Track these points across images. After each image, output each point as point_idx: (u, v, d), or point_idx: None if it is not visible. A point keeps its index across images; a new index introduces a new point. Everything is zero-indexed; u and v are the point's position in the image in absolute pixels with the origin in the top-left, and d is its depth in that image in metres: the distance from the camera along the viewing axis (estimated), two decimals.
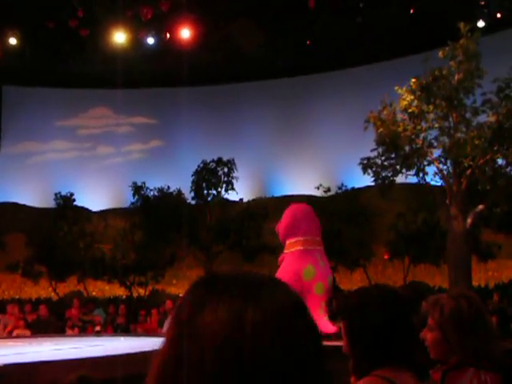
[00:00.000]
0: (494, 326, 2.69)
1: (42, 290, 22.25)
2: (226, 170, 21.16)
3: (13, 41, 21.82)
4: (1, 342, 10.72)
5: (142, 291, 21.00)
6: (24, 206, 27.22)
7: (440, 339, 2.66)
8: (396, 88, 14.89)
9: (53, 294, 21.42)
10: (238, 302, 0.94)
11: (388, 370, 2.12)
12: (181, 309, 0.98)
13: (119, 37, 21.32)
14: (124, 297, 21.25)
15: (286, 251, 8.50)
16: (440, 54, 14.49)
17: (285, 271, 8.09)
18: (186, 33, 21.32)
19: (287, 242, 8.48)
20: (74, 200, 22.86)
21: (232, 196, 21.61)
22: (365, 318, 2.21)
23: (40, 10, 20.73)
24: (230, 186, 21.15)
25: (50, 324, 14.29)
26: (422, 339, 2.74)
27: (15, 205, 27.30)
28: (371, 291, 2.36)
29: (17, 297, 21.75)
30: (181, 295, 20.29)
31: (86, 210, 25.26)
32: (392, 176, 15.65)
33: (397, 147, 14.98)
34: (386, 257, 20.72)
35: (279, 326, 0.94)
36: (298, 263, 8.27)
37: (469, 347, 2.57)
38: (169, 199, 21.17)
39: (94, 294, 22.09)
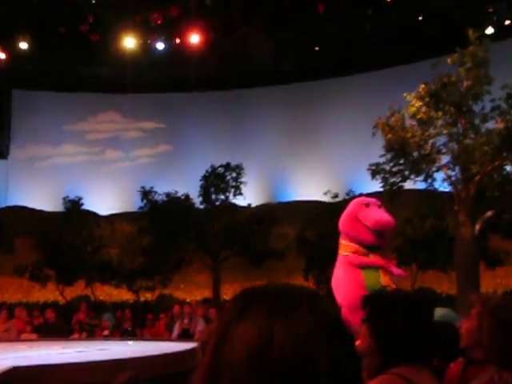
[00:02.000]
0: None
1: (50, 293, 22.27)
2: (234, 174, 21.16)
3: (23, 45, 21.97)
4: (9, 345, 10.75)
5: (149, 296, 20.99)
6: (33, 209, 27.32)
7: (475, 329, 2.69)
8: (405, 94, 14.88)
9: (60, 297, 21.42)
10: (264, 320, 0.93)
11: (405, 368, 2.12)
12: (221, 320, 1.00)
13: (129, 42, 21.43)
14: (131, 301, 21.24)
15: None
16: (449, 60, 14.46)
17: None
18: (195, 38, 21.39)
19: None
20: (82, 204, 22.88)
21: (240, 201, 21.61)
22: (393, 318, 2.25)
23: (51, 16, 20.88)
24: (238, 191, 21.15)
25: (58, 328, 14.28)
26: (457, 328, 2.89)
27: (24, 208, 27.41)
28: (398, 294, 2.57)
29: (24, 301, 21.75)
30: (188, 300, 20.37)
31: (94, 214, 25.32)
32: (400, 182, 15.62)
33: (405, 153, 14.95)
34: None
35: (304, 348, 0.91)
36: None
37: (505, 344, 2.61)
38: (177, 204, 21.18)
39: (101, 298, 22.09)
